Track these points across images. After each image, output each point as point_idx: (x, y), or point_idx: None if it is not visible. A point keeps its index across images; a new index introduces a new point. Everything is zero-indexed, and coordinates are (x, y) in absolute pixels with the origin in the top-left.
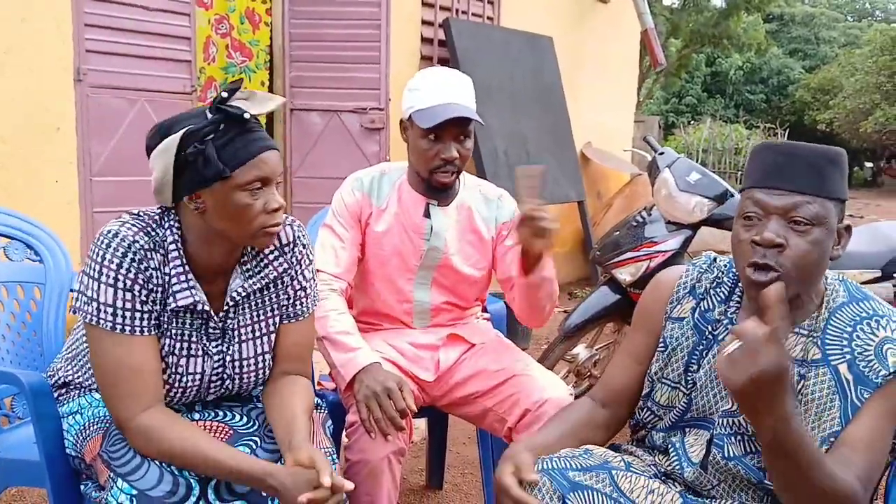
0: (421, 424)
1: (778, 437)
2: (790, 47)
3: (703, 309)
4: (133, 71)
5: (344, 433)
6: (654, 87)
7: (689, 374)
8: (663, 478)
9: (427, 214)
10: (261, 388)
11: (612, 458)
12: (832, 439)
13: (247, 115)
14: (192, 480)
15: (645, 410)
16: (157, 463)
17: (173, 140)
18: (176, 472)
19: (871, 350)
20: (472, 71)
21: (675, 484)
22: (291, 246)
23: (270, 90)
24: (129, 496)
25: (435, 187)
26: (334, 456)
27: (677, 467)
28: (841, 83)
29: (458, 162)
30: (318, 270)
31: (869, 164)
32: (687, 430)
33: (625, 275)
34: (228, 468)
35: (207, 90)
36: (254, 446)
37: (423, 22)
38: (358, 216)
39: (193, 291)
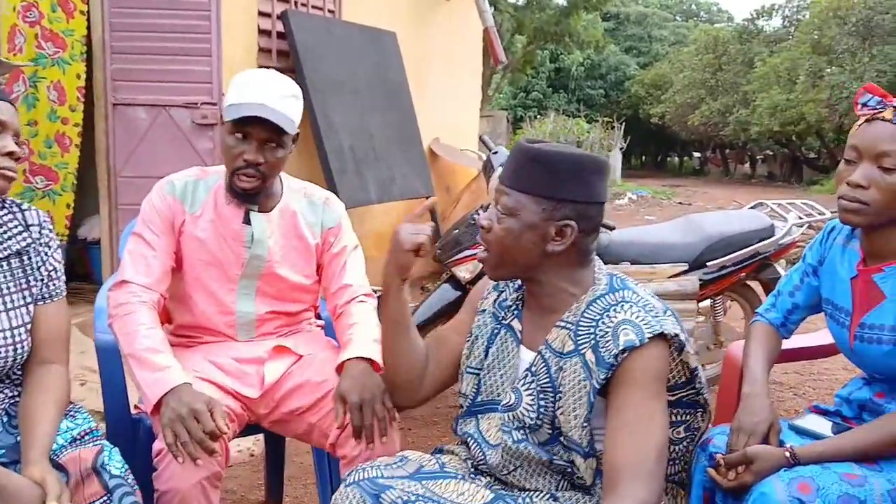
0: (259, 436)
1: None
2: (626, 45)
3: (501, 299)
4: None
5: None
6: (503, 83)
7: (486, 357)
8: (474, 473)
9: (247, 221)
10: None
11: (427, 463)
12: (585, 423)
13: None
14: None
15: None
16: None
17: None
18: None
19: (610, 332)
20: (314, 65)
21: (484, 476)
22: (39, 228)
23: (89, 83)
24: None
25: (235, 191)
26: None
27: (479, 455)
28: (671, 79)
29: (263, 168)
30: (125, 282)
31: (697, 155)
32: (479, 415)
33: (464, 272)
34: None
35: (13, 83)
36: None
37: (261, 13)
38: (171, 222)
39: None
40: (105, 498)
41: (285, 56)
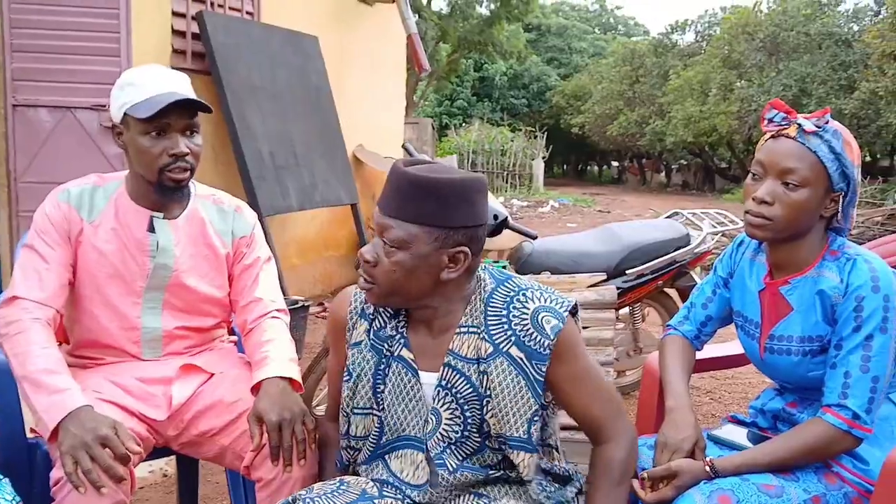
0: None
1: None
2: (547, 56)
3: (375, 328)
4: None
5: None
6: (428, 90)
7: (378, 394)
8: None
9: (151, 228)
10: None
11: (369, 488)
12: (536, 418)
13: None
14: None
15: (345, 449)
16: None
17: None
18: None
19: (528, 323)
20: (231, 68)
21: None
22: None
23: None
24: None
25: (169, 188)
26: None
27: (400, 496)
28: (590, 90)
29: (191, 158)
30: (16, 297)
31: (615, 164)
32: (387, 456)
33: None
34: None
35: None
36: None
37: (175, 13)
38: (66, 233)
39: None
40: None
41: (200, 58)
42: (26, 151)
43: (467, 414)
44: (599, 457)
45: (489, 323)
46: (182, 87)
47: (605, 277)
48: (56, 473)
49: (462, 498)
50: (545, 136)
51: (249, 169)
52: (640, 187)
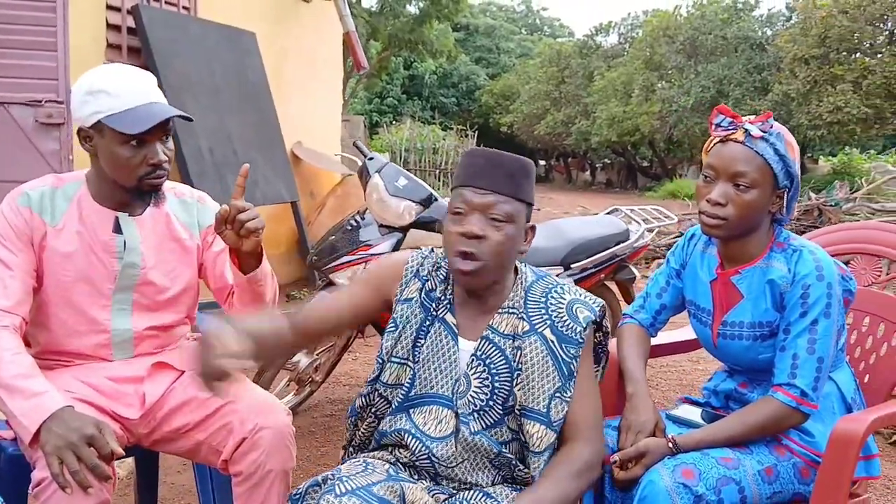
0: (127, 459)
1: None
2: (475, 55)
3: (427, 289)
4: None
5: (30, 493)
6: (358, 88)
7: (417, 349)
8: (406, 473)
9: (117, 229)
10: None
11: (392, 470)
12: (558, 394)
13: None
14: None
15: (374, 395)
16: None
17: None
18: None
19: (564, 312)
20: (168, 63)
21: (420, 479)
22: None
23: None
24: None
25: (146, 192)
26: None
27: (422, 450)
28: (518, 90)
29: (167, 164)
30: None
31: (543, 162)
32: (412, 410)
33: (343, 279)
34: None
35: None
36: None
37: (109, 7)
38: (29, 238)
39: None
40: None
41: (136, 53)
42: None
43: (496, 385)
44: (566, 450)
45: (528, 307)
46: (155, 92)
47: (561, 270)
48: (38, 474)
49: (472, 494)
50: (476, 135)
51: (189, 166)
52: (566, 185)
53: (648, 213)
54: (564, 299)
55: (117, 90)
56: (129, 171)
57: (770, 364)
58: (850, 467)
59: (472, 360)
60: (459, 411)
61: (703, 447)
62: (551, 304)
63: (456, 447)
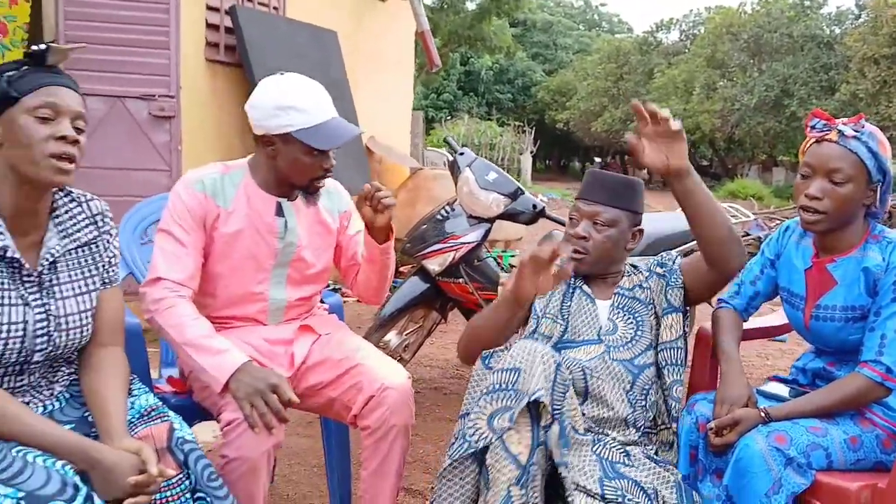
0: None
1: (694, 178)
2: (532, 51)
3: None
4: None
5: (218, 432)
6: (416, 84)
7: (564, 308)
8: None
9: (279, 213)
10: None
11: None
12: (676, 292)
13: (49, 59)
14: (76, 481)
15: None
16: (42, 463)
17: None
18: (61, 472)
19: (656, 261)
20: (261, 61)
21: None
22: (102, 217)
23: None
24: (14, 500)
25: (311, 190)
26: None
27: (575, 365)
28: (575, 86)
29: (332, 167)
30: (159, 278)
31: (598, 160)
32: (564, 351)
33: (434, 265)
34: (51, 437)
35: None
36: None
37: (209, 7)
38: (202, 219)
39: (1, 237)
40: (180, 476)
41: (232, 51)
42: None
43: (637, 319)
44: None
45: (639, 273)
46: (332, 107)
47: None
48: (228, 416)
49: (611, 450)
50: (533, 132)
51: None
52: None
53: (726, 210)
54: (655, 266)
55: (305, 106)
56: (305, 174)
57: (857, 345)
58: None
59: (612, 310)
60: (608, 344)
61: (793, 418)
62: (651, 266)
63: (602, 362)
